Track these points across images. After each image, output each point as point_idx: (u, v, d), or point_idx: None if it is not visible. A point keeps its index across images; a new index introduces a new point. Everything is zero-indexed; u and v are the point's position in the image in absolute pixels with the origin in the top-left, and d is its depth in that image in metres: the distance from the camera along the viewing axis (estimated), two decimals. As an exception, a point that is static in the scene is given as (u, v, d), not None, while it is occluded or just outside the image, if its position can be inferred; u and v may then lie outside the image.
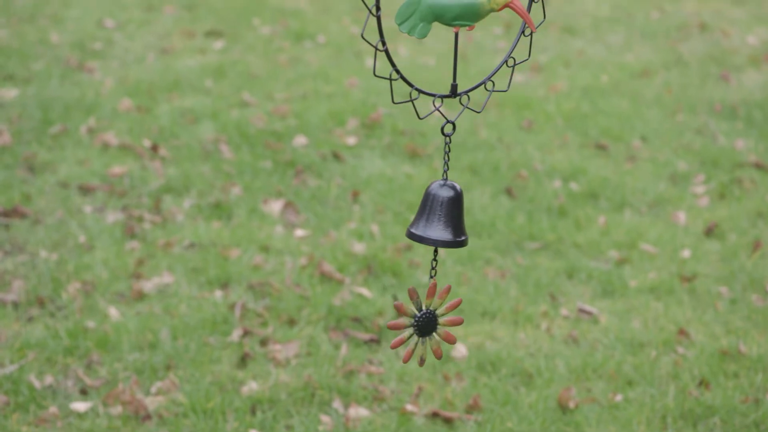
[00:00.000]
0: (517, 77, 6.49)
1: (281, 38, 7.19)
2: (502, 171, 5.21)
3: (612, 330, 3.91)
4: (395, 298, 4.00)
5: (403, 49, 7.03)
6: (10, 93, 5.85)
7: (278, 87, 6.22)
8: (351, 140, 5.49)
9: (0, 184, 4.79)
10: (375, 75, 1.81)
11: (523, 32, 1.87)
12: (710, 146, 5.60)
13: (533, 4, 1.89)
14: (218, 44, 7.00)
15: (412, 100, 1.86)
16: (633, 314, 4.03)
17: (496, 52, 7.07)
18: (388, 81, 1.84)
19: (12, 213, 4.52)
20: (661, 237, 4.62)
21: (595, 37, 7.61)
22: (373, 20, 1.77)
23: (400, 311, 1.89)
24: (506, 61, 1.90)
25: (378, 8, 1.77)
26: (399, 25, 1.83)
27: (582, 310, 4.04)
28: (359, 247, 4.39)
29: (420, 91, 1.86)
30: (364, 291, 4.08)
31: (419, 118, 1.87)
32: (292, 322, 3.87)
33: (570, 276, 4.31)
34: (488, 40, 7.34)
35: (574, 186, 5.08)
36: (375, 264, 4.27)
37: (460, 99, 1.89)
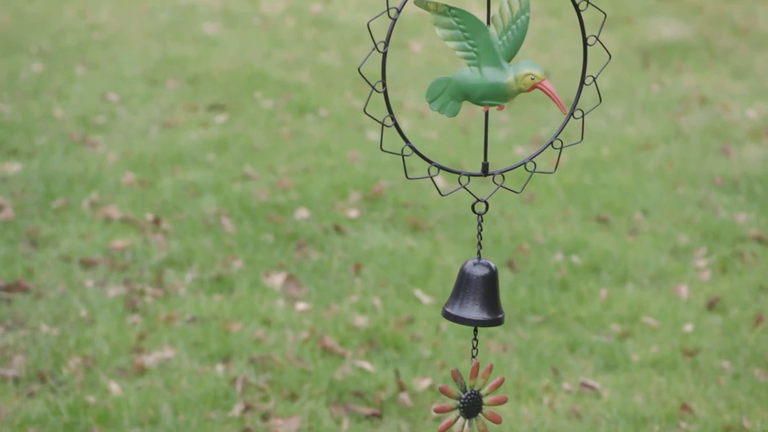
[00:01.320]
0: (518, 150, 6.52)
1: (283, 112, 7.23)
2: (504, 244, 5.21)
3: (615, 404, 3.89)
4: (397, 373, 3.99)
5: (405, 122, 7.06)
6: (14, 167, 5.88)
7: (280, 160, 6.25)
8: (353, 213, 5.50)
9: (2, 258, 4.80)
10: (382, 149, 1.81)
11: (572, 114, 1.87)
12: (711, 219, 5.61)
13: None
14: (221, 118, 7.04)
15: (431, 176, 1.85)
16: (635, 389, 4.02)
17: (499, 125, 7.11)
18: (390, 154, 1.84)
19: (14, 287, 4.53)
20: (663, 310, 4.62)
21: (596, 110, 7.66)
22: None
23: (445, 393, 1.85)
24: (552, 143, 1.89)
25: (384, 84, 1.78)
26: (429, 102, 1.84)
27: (584, 385, 4.03)
28: (361, 321, 4.38)
29: (441, 168, 1.85)
30: (366, 365, 4.07)
31: (441, 195, 1.86)
32: (293, 397, 3.86)
33: (572, 350, 4.30)
34: (491, 113, 7.38)
35: (575, 259, 5.08)
36: (377, 337, 4.26)
37: (494, 178, 1.88)
